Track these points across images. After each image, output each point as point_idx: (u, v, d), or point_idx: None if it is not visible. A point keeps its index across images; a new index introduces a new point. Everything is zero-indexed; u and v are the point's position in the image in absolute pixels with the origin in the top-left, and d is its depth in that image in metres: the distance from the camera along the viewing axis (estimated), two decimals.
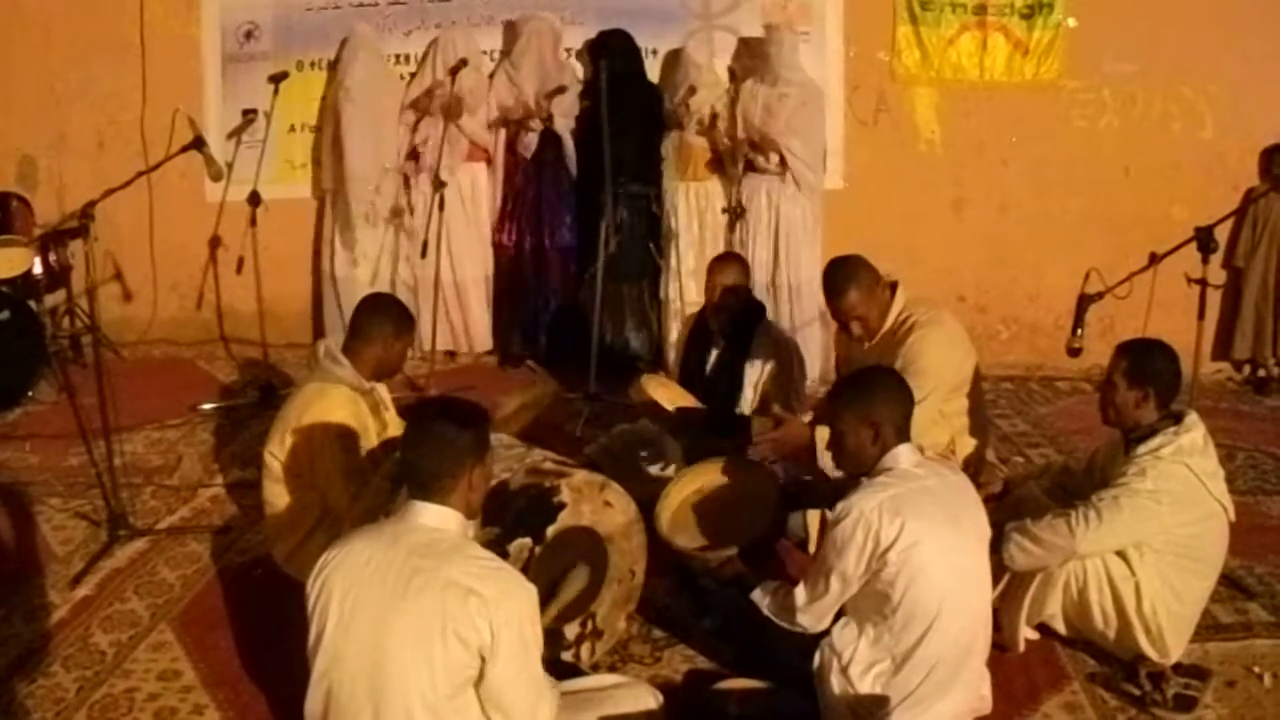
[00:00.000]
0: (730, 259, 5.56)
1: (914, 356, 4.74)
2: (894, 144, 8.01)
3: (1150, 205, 7.53)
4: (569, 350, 7.45)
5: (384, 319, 4.57)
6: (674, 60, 7.74)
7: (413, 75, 7.93)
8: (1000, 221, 8.01)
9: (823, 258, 7.04)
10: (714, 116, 7.36)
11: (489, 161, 7.83)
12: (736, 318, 5.35)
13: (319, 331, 8.21)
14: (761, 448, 4.83)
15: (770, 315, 6.90)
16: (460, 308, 7.81)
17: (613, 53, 7.37)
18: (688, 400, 5.27)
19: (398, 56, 8.05)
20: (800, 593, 3.74)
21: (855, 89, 7.98)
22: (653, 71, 7.84)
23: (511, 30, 7.85)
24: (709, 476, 4.70)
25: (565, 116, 7.64)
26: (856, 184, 7.97)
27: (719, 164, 7.52)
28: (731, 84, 7.36)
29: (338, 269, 7.91)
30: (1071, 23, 7.80)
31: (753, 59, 7.58)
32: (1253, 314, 7.66)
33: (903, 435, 3.68)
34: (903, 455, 3.65)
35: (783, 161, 7.29)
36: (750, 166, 7.37)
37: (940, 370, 4.79)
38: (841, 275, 4.85)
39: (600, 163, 6.96)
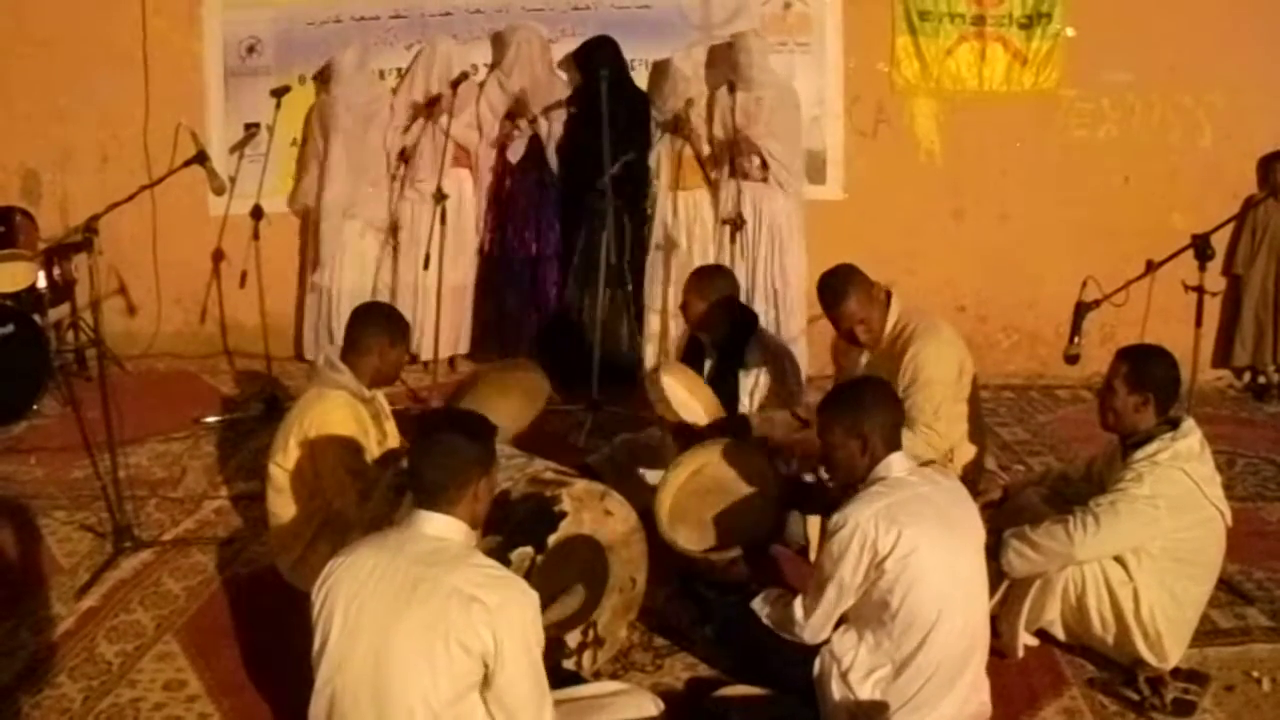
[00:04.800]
0: (707, 275, 5.53)
1: (917, 370, 4.79)
2: (894, 154, 8.02)
3: (1149, 214, 7.53)
4: (559, 358, 7.42)
5: (378, 328, 4.60)
6: (661, 71, 7.76)
7: (394, 90, 8.00)
8: (1000, 231, 8.02)
9: (819, 267, 7.05)
10: (695, 125, 7.41)
11: (473, 169, 7.85)
12: (729, 329, 5.36)
13: (299, 342, 8.25)
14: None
15: (761, 322, 6.95)
16: (443, 314, 7.78)
17: (602, 60, 7.38)
18: (704, 392, 5.27)
19: (398, 70, 8.08)
20: (799, 604, 3.77)
21: (855, 100, 7.99)
22: (642, 83, 7.86)
23: (500, 41, 7.89)
24: (705, 460, 4.72)
25: (552, 123, 7.69)
26: (856, 194, 7.99)
27: (706, 173, 7.56)
28: (709, 92, 7.42)
29: (324, 279, 7.94)
30: (1070, 32, 7.82)
31: (724, 66, 7.58)
32: (1252, 321, 7.67)
33: (892, 445, 3.71)
34: (895, 464, 3.68)
35: (764, 164, 7.35)
36: (734, 173, 7.39)
37: (944, 377, 4.83)
38: (838, 283, 4.89)
39: (584, 169, 7.00)
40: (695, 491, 4.66)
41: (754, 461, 4.67)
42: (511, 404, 4.88)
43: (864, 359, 5.03)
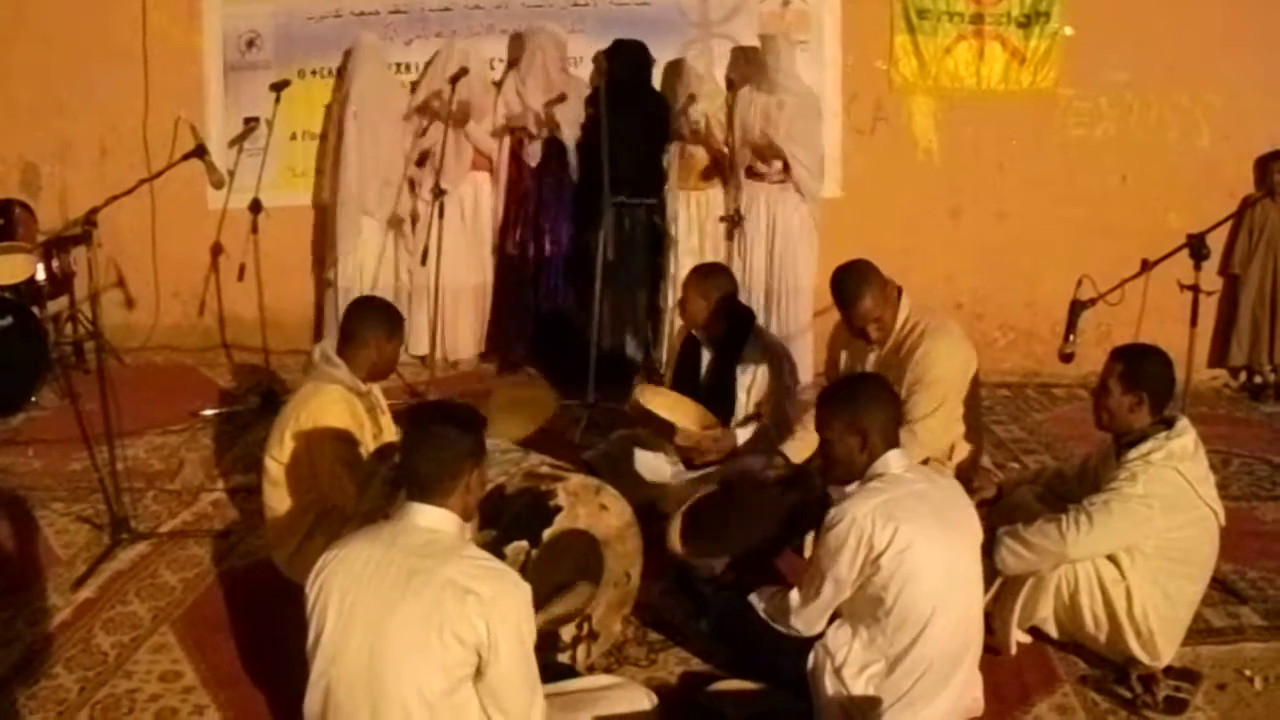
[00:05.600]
0: (705, 273, 5.53)
1: (925, 368, 4.79)
2: (891, 152, 8.04)
3: (1147, 213, 7.54)
4: (567, 357, 7.44)
5: (375, 321, 4.61)
6: (675, 70, 7.78)
7: (414, 84, 7.98)
8: (997, 229, 8.04)
9: (820, 265, 7.09)
10: (710, 125, 7.40)
11: (492, 171, 7.86)
12: (727, 327, 5.37)
13: (319, 338, 8.23)
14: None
15: (767, 322, 6.96)
16: (455, 314, 7.83)
17: (619, 61, 7.42)
18: (686, 407, 5.29)
19: (399, 65, 8.08)
20: (794, 597, 3.78)
21: (853, 98, 8.01)
22: (655, 81, 7.86)
23: (518, 42, 7.88)
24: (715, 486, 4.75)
25: (570, 125, 7.66)
26: (854, 192, 8.00)
27: (719, 172, 7.56)
28: (729, 92, 7.41)
29: (338, 276, 7.94)
30: (1068, 31, 7.84)
31: (749, 67, 7.63)
32: (1249, 321, 7.70)
33: (890, 441, 3.71)
34: (893, 460, 3.69)
35: (786, 168, 7.34)
36: (751, 174, 7.40)
37: (952, 377, 4.84)
38: (854, 281, 4.86)
39: (599, 170, 7.00)
40: (705, 514, 4.69)
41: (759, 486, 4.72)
42: (517, 420, 4.90)
43: (872, 356, 5.03)
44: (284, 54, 8.20)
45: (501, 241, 7.90)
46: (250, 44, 8.24)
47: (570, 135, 7.69)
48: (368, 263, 7.96)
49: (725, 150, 7.44)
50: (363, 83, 7.76)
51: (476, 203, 7.83)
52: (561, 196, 7.75)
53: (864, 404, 3.74)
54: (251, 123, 8.08)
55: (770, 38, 7.51)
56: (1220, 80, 7.75)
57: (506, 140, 7.82)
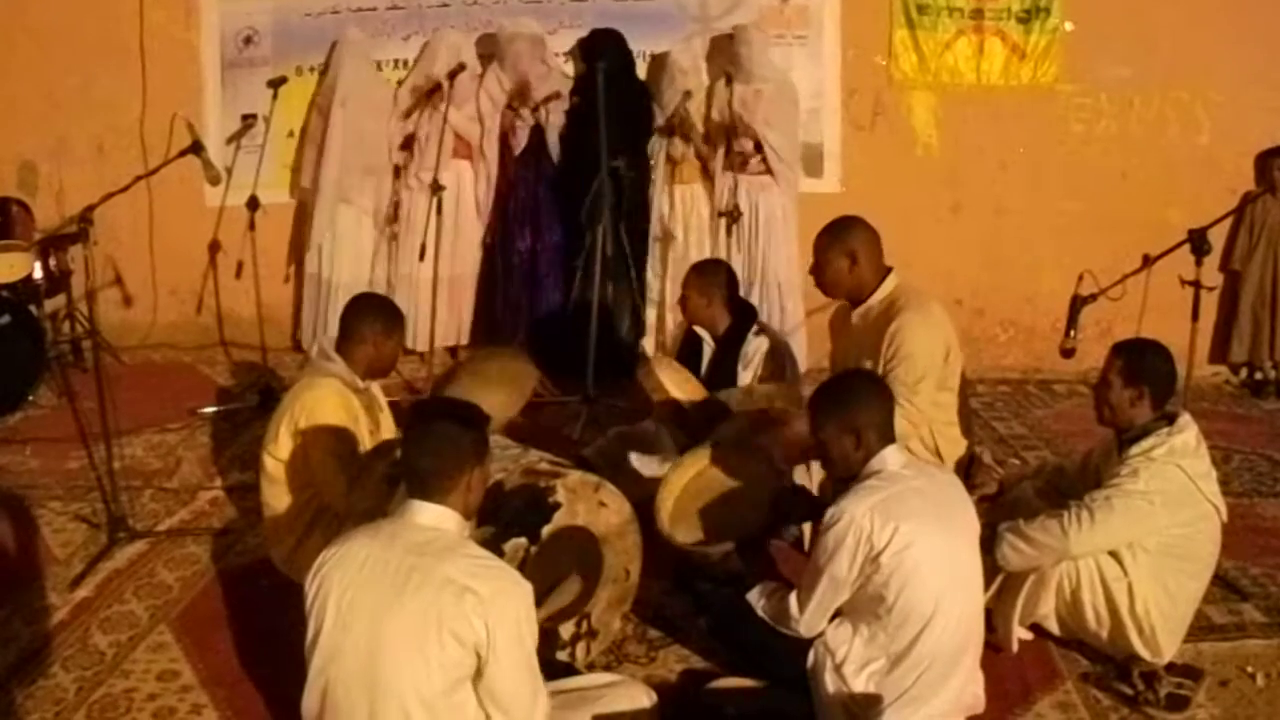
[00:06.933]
0: (705, 269, 5.54)
1: (900, 343, 4.73)
2: (891, 148, 8.02)
3: (1147, 209, 7.52)
4: (558, 350, 7.38)
5: (374, 318, 4.59)
6: (661, 64, 7.76)
7: (400, 83, 7.97)
8: (997, 225, 8.02)
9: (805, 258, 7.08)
10: (692, 118, 7.42)
11: (472, 159, 7.83)
12: (728, 322, 5.36)
13: (297, 330, 8.25)
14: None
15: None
16: (442, 306, 7.77)
17: (601, 52, 7.38)
18: (694, 385, 5.26)
19: (396, 61, 8.07)
20: (794, 599, 3.76)
21: (852, 93, 7.99)
22: (643, 75, 7.86)
23: (494, 46, 7.82)
24: (705, 462, 4.70)
25: (555, 116, 7.67)
26: (853, 187, 7.96)
27: (705, 167, 7.56)
28: (726, 86, 7.41)
29: (321, 269, 7.94)
30: (1069, 27, 7.82)
31: (725, 58, 7.60)
32: (1250, 317, 7.67)
33: (886, 438, 3.70)
34: (889, 457, 3.67)
35: (758, 149, 7.36)
36: (730, 165, 7.35)
37: (929, 351, 4.77)
38: (835, 224, 4.96)
39: (585, 161, 6.99)
40: (695, 491, 4.65)
41: (752, 459, 4.67)
42: (495, 394, 4.83)
43: (854, 323, 5.01)
44: (281, 51, 8.17)
45: (485, 232, 7.89)
46: (248, 41, 8.22)
47: (553, 124, 7.69)
48: (348, 255, 7.94)
49: (705, 146, 7.45)
50: (348, 77, 7.75)
51: (459, 192, 7.76)
52: (546, 187, 7.73)
53: (857, 402, 3.72)
54: (249, 120, 8.05)
55: (743, 27, 7.51)
56: (1220, 76, 7.74)
57: (493, 128, 7.78)
